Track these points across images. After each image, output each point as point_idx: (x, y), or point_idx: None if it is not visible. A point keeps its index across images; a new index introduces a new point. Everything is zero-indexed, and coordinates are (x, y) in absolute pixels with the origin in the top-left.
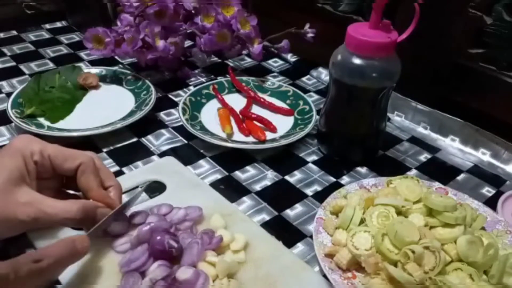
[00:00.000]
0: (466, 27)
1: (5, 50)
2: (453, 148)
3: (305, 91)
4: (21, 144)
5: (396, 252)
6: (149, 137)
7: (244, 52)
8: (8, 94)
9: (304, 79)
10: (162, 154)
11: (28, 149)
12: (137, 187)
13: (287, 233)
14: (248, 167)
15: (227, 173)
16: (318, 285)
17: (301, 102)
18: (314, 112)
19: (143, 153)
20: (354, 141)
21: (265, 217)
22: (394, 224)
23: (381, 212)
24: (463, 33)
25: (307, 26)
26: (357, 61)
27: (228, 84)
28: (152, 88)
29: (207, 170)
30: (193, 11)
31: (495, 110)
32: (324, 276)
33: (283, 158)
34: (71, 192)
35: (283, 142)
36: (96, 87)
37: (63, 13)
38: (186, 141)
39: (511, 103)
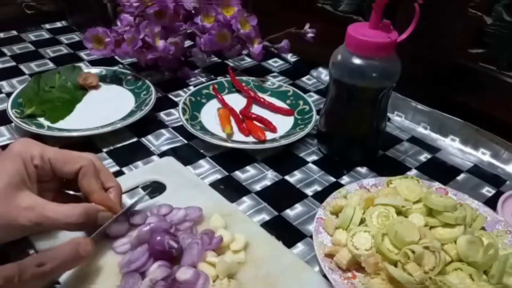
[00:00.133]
0: (466, 27)
1: (5, 50)
2: (453, 148)
3: (305, 91)
4: (21, 148)
5: (396, 252)
6: (149, 137)
7: (244, 52)
8: (8, 94)
9: (304, 79)
10: (162, 154)
11: (28, 153)
12: (137, 187)
13: (287, 233)
14: (248, 167)
15: (227, 173)
16: (318, 285)
17: (301, 102)
18: (314, 112)
19: (143, 153)
20: (354, 141)
21: (265, 217)
22: (394, 224)
23: (381, 212)
24: (463, 33)
25: (307, 26)
26: (357, 61)
27: (228, 84)
28: (152, 88)
29: (207, 170)
30: (193, 11)
31: (495, 110)
32: (324, 276)
33: (283, 158)
34: (71, 193)
35: (283, 142)
36: (96, 87)
37: (63, 13)
38: (186, 141)
39: (511, 103)
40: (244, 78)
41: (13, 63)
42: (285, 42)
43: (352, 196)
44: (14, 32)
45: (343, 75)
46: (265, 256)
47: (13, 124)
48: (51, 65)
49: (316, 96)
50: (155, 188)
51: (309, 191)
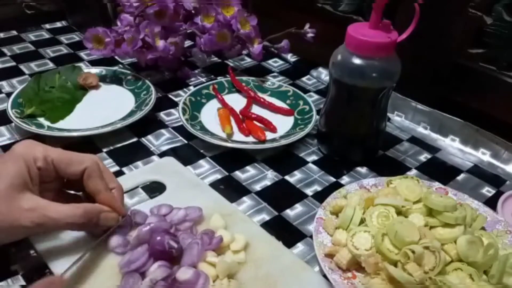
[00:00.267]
0: (466, 27)
1: (5, 50)
2: (453, 148)
3: (305, 91)
4: (23, 150)
5: (396, 252)
6: (149, 137)
7: (244, 52)
8: (8, 94)
9: (304, 79)
10: (162, 154)
11: (31, 155)
12: (137, 187)
13: (287, 233)
14: (248, 167)
15: (227, 173)
16: (318, 285)
17: (301, 102)
18: (314, 112)
19: (143, 153)
20: (354, 141)
21: (265, 217)
22: (394, 224)
23: (381, 212)
24: (463, 33)
25: (307, 26)
26: (357, 61)
27: (228, 84)
28: (152, 88)
29: (207, 170)
30: (193, 11)
31: (495, 110)
32: (324, 276)
33: (283, 158)
34: (72, 192)
35: (283, 142)
36: (96, 87)
37: (63, 13)
38: (186, 141)
39: (511, 103)
40: (244, 78)
41: (13, 63)
42: (285, 42)
43: (352, 196)
44: (14, 32)
45: (343, 75)
46: (265, 256)
47: (13, 124)
48: (51, 65)
49: (316, 96)
50: (155, 188)
51: (309, 191)
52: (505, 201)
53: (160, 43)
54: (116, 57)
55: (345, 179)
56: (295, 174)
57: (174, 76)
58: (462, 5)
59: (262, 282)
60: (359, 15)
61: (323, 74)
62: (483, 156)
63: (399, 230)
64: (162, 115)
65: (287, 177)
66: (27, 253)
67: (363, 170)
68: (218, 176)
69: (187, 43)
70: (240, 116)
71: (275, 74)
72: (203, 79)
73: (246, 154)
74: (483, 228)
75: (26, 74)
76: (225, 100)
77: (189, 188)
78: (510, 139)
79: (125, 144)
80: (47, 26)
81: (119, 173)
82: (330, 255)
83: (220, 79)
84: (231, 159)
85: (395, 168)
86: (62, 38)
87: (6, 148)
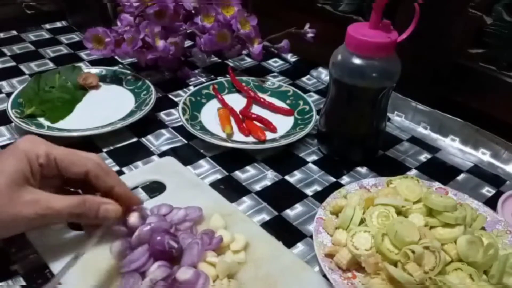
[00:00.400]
0: (466, 27)
1: (5, 50)
2: (453, 148)
3: (305, 91)
4: (26, 146)
5: (396, 252)
6: (149, 137)
7: (244, 52)
8: (8, 94)
9: (304, 79)
10: (162, 154)
11: (33, 152)
12: (137, 187)
13: (287, 233)
14: (248, 167)
15: (227, 173)
16: (318, 285)
17: (301, 102)
18: (314, 112)
19: (143, 153)
20: (354, 141)
21: (265, 217)
22: (394, 224)
23: (381, 212)
24: (463, 33)
25: (307, 26)
26: (357, 61)
27: (228, 84)
28: (152, 88)
29: (207, 170)
30: (193, 11)
31: (495, 110)
32: (324, 276)
33: (283, 158)
34: (72, 189)
35: (283, 142)
36: (96, 87)
37: (63, 13)
38: (186, 141)
39: (511, 103)
40: (244, 78)
41: (13, 63)
42: (285, 42)
43: (352, 196)
44: (14, 32)
45: (343, 75)
46: (265, 256)
47: (13, 124)
48: (51, 65)
49: (316, 96)
50: (155, 188)
51: (309, 191)
52: (505, 201)
53: (160, 43)
54: (116, 57)
55: (345, 179)
56: (295, 174)
57: (174, 76)
58: (462, 5)
59: (262, 282)
60: (359, 15)
61: (323, 74)
62: (483, 156)
63: (399, 230)
64: (162, 115)
65: (287, 177)
66: (27, 253)
67: (363, 170)
68: (218, 176)
69: (187, 43)
70: (240, 116)
71: (275, 74)
72: (203, 79)
73: (246, 154)
74: (483, 228)
75: (26, 74)
76: (225, 100)
77: (189, 188)
78: (510, 139)
79: (125, 144)
80: (47, 26)
81: (119, 173)
82: (330, 255)
83: (220, 79)
84: (231, 159)
85: (395, 168)
86: (62, 38)
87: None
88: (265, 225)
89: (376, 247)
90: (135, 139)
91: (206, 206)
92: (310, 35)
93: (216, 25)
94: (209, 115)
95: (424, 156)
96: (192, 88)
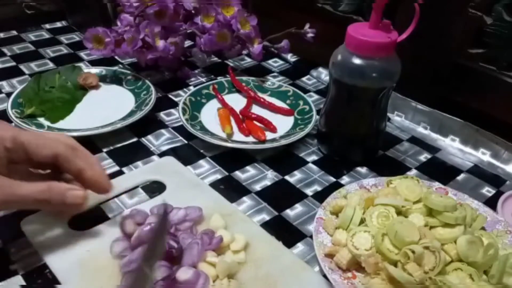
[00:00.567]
0: (466, 27)
1: (5, 50)
2: (453, 148)
3: (305, 91)
4: None
5: (396, 252)
6: (149, 137)
7: (244, 52)
8: (8, 94)
9: (304, 79)
10: (162, 154)
11: None
12: (137, 187)
13: (287, 233)
14: (248, 167)
15: (227, 173)
16: (318, 285)
17: (301, 102)
18: (314, 112)
19: (143, 153)
20: (354, 141)
21: (265, 217)
22: (394, 224)
23: (381, 212)
24: (463, 33)
25: (307, 26)
26: (357, 61)
27: (228, 84)
28: (152, 88)
29: (207, 170)
30: (193, 11)
31: (495, 110)
32: (324, 276)
33: (283, 158)
34: (42, 172)
35: (283, 142)
36: (96, 87)
37: (63, 13)
38: (186, 141)
39: (511, 103)
40: (244, 78)
41: (13, 63)
42: (285, 42)
43: (352, 196)
44: (14, 32)
45: (343, 75)
46: (265, 256)
47: (13, 124)
48: (51, 65)
49: (316, 96)
50: (155, 188)
51: (309, 191)
52: (505, 201)
53: (160, 43)
54: (116, 57)
55: (345, 179)
56: (295, 174)
57: (174, 76)
58: (462, 5)
59: (262, 282)
60: (359, 15)
61: (323, 74)
62: (483, 156)
63: (399, 230)
64: (162, 115)
65: (287, 177)
66: (27, 253)
67: (363, 170)
68: (218, 176)
69: (187, 43)
70: (240, 116)
71: (275, 74)
72: (203, 79)
73: (246, 154)
74: (483, 228)
75: (26, 74)
76: (225, 100)
77: (189, 188)
78: (510, 139)
79: (125, 144)
80: (47, 26)
81: (119, 173)
82: (330, 255)
83: (220, 79)
84: (231, 159)
85: (395, 168)
86: (62, 38)
87: None
88: (265, 225)
89: (376, 247)
90: (135, 139)
91: (206, 206)
92: (310, 35)
93: (216, 25)
94: (209, 115)
95: (424, 156)
96: (192, 88)
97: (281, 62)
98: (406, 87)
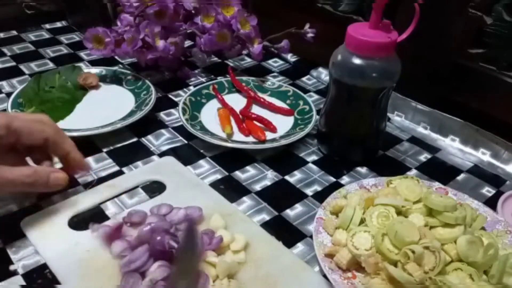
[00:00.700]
0: (466, 27)
1: (5, 50)
2: (453, 148)
3: (305, 91)
4: None
5: (396, 252)
6: (149, 137)
7: (244, 52)
8: (8, 94)
9: (304, 79)
10: (162, 154)
11: None
12: (137, 187)
13: (287, 233)
14: (248, 167)
15: (227, 173)
16: (318, 285)
17: (301, 102)
18: (314, 112)
19: (143, 153)
20: (354, 141)
21: (265, 217)
22: (394, 224)
23: (381, 212)
24: (463, 33)
25: (307, 26)
26: (357, 61)
27: (228, 84)
28: (152, 88)
29: (207, 170)
30: (193, 11)
31: (495, 110)
32: (324, 276)
33: (283, 158)
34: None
35: (283, 142)
36: (96, 87)
37: (63, 13)
38: (186, 141)
39: (511, 103)
40: (244, 78)
41: (13, 63)
42: (285, 42)
43: (352, 196)
44: (14, 32)
45: (343, 75)
46: (265, 256)
47: None
48: (51, 65)
49: (316, 96)
50: (155, 188)
51: (309, 191)
52: (505, 201)
53: (160, 43)
54: (116, 57)
55: (345, 179)
56: (295, 174)
57: (174, 76)
58: (462, 5)
59: (262, 282)
60: (359, 15)
61: (323, 74)
62: (483, 156)
63: (399, 230)
64: (162, 115)
65: (287, 177)
66: (27, 253)
67: (363, 170)
68: (218, 176)
69: (187, 43)
70: (240, 116)
71: (275, 74)
72: (203, 79)
73: (246, 154)
74: (483, 228)
75: (26, 74)
76: (225, 100)
77: (189, 188)
78: (510, 139)
79: (125, 144)
80: (47, 26)
81: (119, 173)
82: (330, 255)
83: (220, 79)
84: (231, 159)
85: (395, 168)
86: (62, 38)
87: None
88: (265, 225)
89: (376, 247)
90: (135, 139)
91: (206, 206)
92: (310, 35)
93: (216, 25)
94: (209, 115)
95: (424, 156)
96: (192, 88)
97: (281, 62)
98: (406, 87)
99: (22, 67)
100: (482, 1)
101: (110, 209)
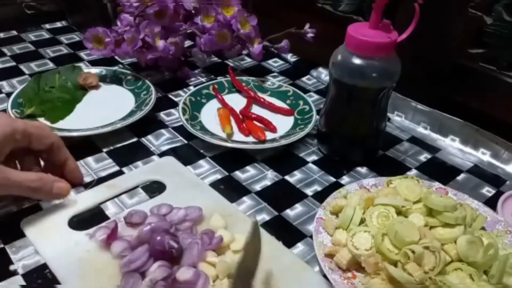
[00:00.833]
0: (466, 27)
1: (5, 50)
2: (453, 148)
3: (305, 91)
4: (4, 121)
5: (396, 252)
6: (149, 137)
7: (244, 52)
8: (8, 94)
9: (304, 79)
10: (162, 154)
11: (10, 127)
12: (137, 187)
13: (287, 233)
14: (248, 167)
15: (227, 173)
16: (318, 285)
17: (301, 102)
18: (314, 112)
19: (143, 153)
20: (354, 141)
21: (265, 217)
22: (394, 224)
23: (381, 212)
24: (463, 33)
25: (307, 26)
26: (357, 61)
27: (228, 84)
28: (152, 88)
29: (207, 170)
30: (193, 11)
31: (495, 110)
32: (324, 276)
33: (283, 158)
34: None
35: (283, 142)
36: (96, 87)
37: (63, 13)
38: (186, 141)
39: (511, 103)
40: (244, 78)
41: (13, 63)
42: (285, 42)
43: (352, 196)
44: (14, 32)
45: (343, 75)
46: (265, 256)
47: None
48: (51, 65)
49: (316, 96)
50: (155, 188)
51: (309, 191)
52: (505, 201)
53: (160, 43)
54: (116, 57)
55: (345, 179)
56: (295, 174)
57: (174, 76)
58: (462, 5)
59: (262, 282)
60: (359, 15)
61: (323, 74)
62: (483, 156)
63: (399, 230)
64: (162, 115)
65: (287, 177)
66: (27, 253)
67: (363, 170)
68: (218, 176)
69: (187, 43)
70: (240, 116)
71: (275, 74)
72: (203, 79)
73: (246, 154)
74: (483, 228)
75: (26, 74)
76: (225, 100)
77: (189, 188)
78: (510, 139)
79: (125, 144)
80: (47, 26)
81: (119, 173)
82: (330, 255)
83: (220, 79)
84: (231, 159)
85: (395, 168)
86: (62, 38)
87: None
88: (265, 225)
89: (376, 247)
90: (135, 139)
91: (206, 206)
92: (310, 35)
93: (216, 25)
94: (209, 115)
95: (424, 156)
96: (192, 88)
97: (281, 62)
98: (406, 87)
99: (22, 67)
100: (482, 1)
101: (110, 209)
